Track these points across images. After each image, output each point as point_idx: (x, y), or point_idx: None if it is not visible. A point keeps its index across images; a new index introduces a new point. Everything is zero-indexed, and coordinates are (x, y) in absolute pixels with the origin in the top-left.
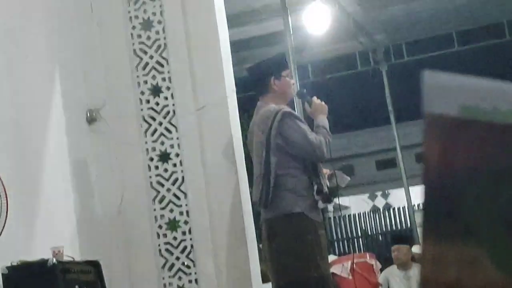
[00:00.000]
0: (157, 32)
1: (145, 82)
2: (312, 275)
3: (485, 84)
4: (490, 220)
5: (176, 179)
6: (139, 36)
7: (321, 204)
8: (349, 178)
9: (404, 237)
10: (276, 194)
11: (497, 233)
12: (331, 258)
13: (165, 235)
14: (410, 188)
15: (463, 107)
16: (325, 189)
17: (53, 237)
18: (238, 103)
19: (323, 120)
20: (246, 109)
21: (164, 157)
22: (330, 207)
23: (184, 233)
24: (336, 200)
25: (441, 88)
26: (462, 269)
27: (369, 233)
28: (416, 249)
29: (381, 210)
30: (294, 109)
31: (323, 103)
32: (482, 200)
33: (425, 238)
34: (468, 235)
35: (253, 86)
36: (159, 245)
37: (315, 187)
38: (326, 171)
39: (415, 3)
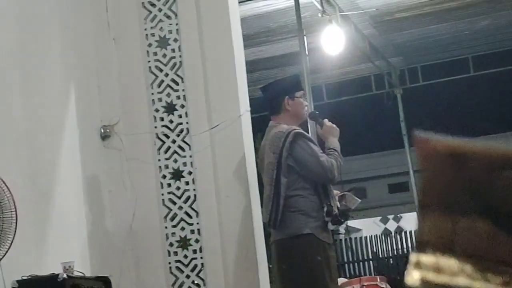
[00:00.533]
0: (173, 50)
1: (160, 99)
2: None
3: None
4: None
5: (188, 197)
6: (155, 53)
7: (331, 226)
8: (359, 200)
9: None
10: (285, 215)
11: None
12: (341, 280)
13: (175, 253)
14: None
15: None
16: (335, 211)
17: (64, 252)
18: (252, 123)
19: (334, 142)
20: (260, 129)
21: (177, 175)
22: (342, 229)
23: (195, 251)
24: (347, 222)
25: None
26: (458, 222)
27: (380, 256)
28: None
29: (393, 234)
30: (307, 131)
31: (334, 125)
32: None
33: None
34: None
35: (266, 105)
36: (169, 263)
37: (325, 209)
38: (336, 192)
39: (431, 27)
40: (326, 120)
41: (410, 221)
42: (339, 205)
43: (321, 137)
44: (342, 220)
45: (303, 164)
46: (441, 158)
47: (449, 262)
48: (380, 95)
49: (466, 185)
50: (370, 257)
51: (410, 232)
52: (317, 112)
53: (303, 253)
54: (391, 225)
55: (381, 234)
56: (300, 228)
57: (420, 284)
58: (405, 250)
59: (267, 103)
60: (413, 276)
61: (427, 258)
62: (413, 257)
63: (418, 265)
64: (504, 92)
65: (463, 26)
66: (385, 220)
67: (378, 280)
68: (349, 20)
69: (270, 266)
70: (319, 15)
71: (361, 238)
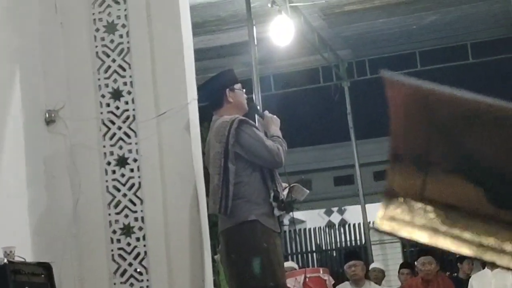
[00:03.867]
0: (121, 36)
1: (106, 85)
2: (268, 284)
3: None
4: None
5: (133, 185)
6: (102, 38)
7: (277, 212)
8: (307, 191)
9: (357, 253)
10: (232, 203)
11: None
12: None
13: (119, 241)
14: (367, 206)
15: None
16: (282, 196)
17: (5, 237)
18: (199, 111)
19: (276, 130)
20: (206, 118)
21: (122, 161)
22: (286, 220)
23: (138, 239)
24: (292, 214)
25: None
26: (428, 171)
27: (324, 248)
28: (375, 265)
29: (337, 226)
30: (254, 121)
31: (274, 116)
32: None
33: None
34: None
35: (207, 100)
36: (112, 250)
37: (272, 194)
38: (285, 185)
39: (380, 21)
40: (266, 112)
41: (354, 214)
42: (285, 197)
43: (263, 128)
44: (288, 210)
45: (249, 150)
46: (412, 104)
47: (418, 209)
48: (327, 87)
49: (437, 132)
50: (314, 249)
51: (354, 224)
52: (256, 104)
53: (249, 240)
54: (335, 218)
55: (325, 226)
56: (245, 216)
57: (388, 228)
58: (348, 242)
59: (208, 98)
60: (382, 219)
61: (397, 205)
62: (383, 201)
63: (387, 210)
64: (450, 87)
65: (411, 21)
66: (329, 213)
67: (321, 272)
68: (299, 11)
69: (215, 256)
70: (269, 5)
71: (305, 230)
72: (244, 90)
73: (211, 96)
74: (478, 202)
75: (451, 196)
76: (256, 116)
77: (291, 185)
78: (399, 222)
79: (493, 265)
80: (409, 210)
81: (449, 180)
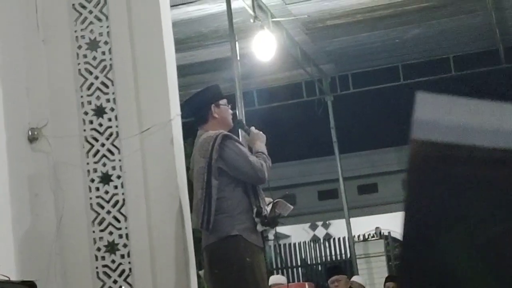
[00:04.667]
0: (103, 53)
1: (89, 102)
2: None
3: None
4: (467, 262)
5: (117, 202)
6: (85, 56)
7: (260, 227)
8: (292, 207)
9: (340, 268)
10: (214, 218)
11: (475, 275)
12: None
13: (103, 258)
14: (351, 219)
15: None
16: (265, 212)
17: None
18: (182, 127)
19: (261, 147)
20: (190, 134)
21: (106, 178)
22: (271, 235)
23: (122, 256)
24: (276, 228)
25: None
26: None
27: (309, 262)
28: (355, 279)
29: (321, 240)
30: (238, 137)
31: (261, 132)
32: (459, 241)
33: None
34: (445, 275)
35: (192, 116)
36: (96, 267)
37: (255, 210)
38: (269, 200)
39: (363, 35)
40: (252, 128)
41: (339, 228)
42: (268, 212)
43: (249, 143)
44: (272, 225)
45: (232, 165)
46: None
47: None
48: (311, 101)
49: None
50: (299, 264)
51: (339, 238)
52: (242, 120)
53: (232, 255)
54: (320, 232)
55: (310, 241)
56: (228, 230)
57: None
58: (333, 257)
59: (193, 114)
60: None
61: None
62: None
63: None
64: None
65: (394, 35)
66: (314, 227)
67: (306, 287)
68: (281, 26)
69: (200, 272)
70: (251, 20)
71: (290, 244)
72: (229, 105)
73: (196, 111)
74: None
75: None
76: (240, 131)
77: (275, 201)
78: None
79: None
80: None
81: None
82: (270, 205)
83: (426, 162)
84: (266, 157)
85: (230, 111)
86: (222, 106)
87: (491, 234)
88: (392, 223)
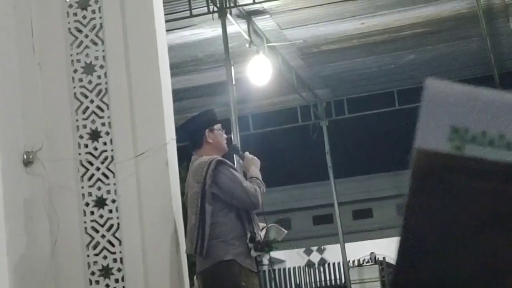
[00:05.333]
0: (99, 77)
1: (84, 126)
2: None
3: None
4: (469, 277)
5: (112, 226)
6: (80, 80)
7: (253, 253)
8: (286, 232)
9: None
10: (208, 243)
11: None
12: None
13: (97, 282)
14: (346, 245)
15: (453, 129)
16: (258, 237)
17: None
18: (177, 152)
19: (255, 172)
20: (185, 158)
21: (100, 202)
22: (265, 260)
23: (117, 280)
24: (270, 253)
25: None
26: None
27: (303, 287)
28: None
29: (316, 265)
30: (233, 162)
31: (255, 157)
32: (459, 256)
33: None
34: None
35: (187, 140)
36: None
37: (248, 235)
38: (262, 224)
39: (358, 60)
40: (247, 153)
41: (334, 253)
42: (262, 237)
43: (243, 168)
44: (266, 249)
45: (226, 191)
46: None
47: None
48: (306, 126)
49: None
50: None
51: (334, 264)
52: (237, 145)
53: (226, 279)
54: (315, 257)
55: (305, 266)
56: (222, 255)
57: None
58: (328, 282)
59: (188, 138)
60: None
61: None
62: None
63: None
64: None
65: (389, 60)
66: (308, 252)
67: None
68: (277, 51)
69: None
70: (247, 45)
71: (284, 269)
72: (224, 130)
73: (191, 136)
74: None
75: None
76: (235, 156)
77: (269, 226)
78: None
79: None
80: None
81: None
82: (264, 230)
83: (430, 172)
84: (260, 182)
85: (225, 136)
86: (216, 131)
87: (490, 245)
88: (387, 248)
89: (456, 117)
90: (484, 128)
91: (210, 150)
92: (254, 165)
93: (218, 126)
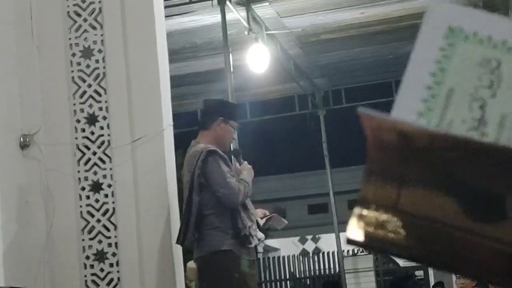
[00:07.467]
0: (97, 61)
1: (82, 110)
2: None
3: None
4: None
5: (107, 210)
6: (79, 63)
7: (250, 243)
8: (286, 222)
9: (335, 283)
10: (204, 232)
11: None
12: None
13: (92, 266)
14: (341, 234)
15: (449, 28)
16: (243, 232)
17: None
18: (174, 138)
19: (247, 177)
20: (181, 145)
21: (96, 187)
22: (260, 248)
23: (111, 265)
24: (265, 241)
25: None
26: (403, 183)
27: (297, 276)
28: None
29: (311, 254)
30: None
31: (251, 168)
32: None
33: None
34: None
35: (201, 117)
36: (85, 276)
37: (230, 232)
38: (263, 212)
39: (356, 50)
40: (246, 162)
41: (328, 242)
42: (261, 225)
43: (237, 171)
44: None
45: (209, 180)
46: (386, 133)
47: (392, 219)
48: (303, 115)
49: (411, 158)
50: (287, 277)
51: (328, 253)
52: (240, 151)
53: (221, 269)
54: (309, 246)
55: (299, 254)
56: (218, 245)
57: (362, 237)
58: (322, 271)
59: (202, 115)
60: (355, 229)
61: (370, 214)
62: (356, 210)
63: (360, 219)
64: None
65: (387, 51)
66: (303, 241)
67: None
68: (275, 39)
69: (187, 282)
70: (246, 33)
71: (278, 257)
72: (236, 133)
73: (205, 113)
74: (454, 215)
75: (426, 208)
76: (234, 160)
77: (271, 215)
78: (373, 229)
79: None
80: (384, 218)
81: (424, 193)
82: (264, 219)
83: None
84: (247, 186)
85: (234, 137)
86: (230, 126)
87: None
88: None
89: (454, 18)
90: (476, 29)
91: (211, 138)
92: (248, 173)
93: (234, 124)
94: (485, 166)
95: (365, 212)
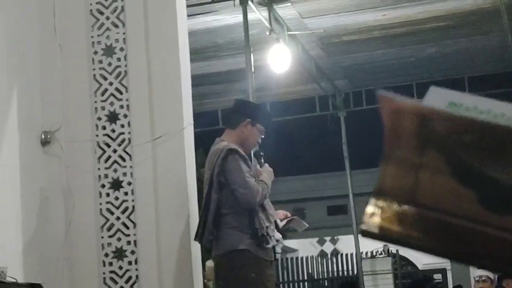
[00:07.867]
0: (119, 59)
1: (103, 108)
2: None
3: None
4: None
5: (126, 208)
6: (100, 61)
7: (274, 241)
8: (307, 225)
9: (353, 284)
10: (222, 231)
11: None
12: None
13: (110, 264)
14: (359, 236)
15: (450, 103)
16: (261, 233)
17: None
18: (194, 137)
19: (267, 178)
20: (202, 144)
21: (116, 184)
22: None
23: (130, 263)
24: (284, 242)
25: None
26: (420, 174)
27: (315, 277)
28: None
29: (329, 255)
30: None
31: (272, 170)
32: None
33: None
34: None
35: (228, 115)
36: (104, 273)
37: (265, 226)
38: (285, 213)
39: (378, 52)
40: (266, 164)
41: (347, 243)
42: (280, 225)
43: (257, 173)
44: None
45: (228, 178)
46: (405, 117)
47: (409, 210)
48: (323, 116)
49: (429, 143)
50: (305, 278)
51: (347, 254)
52: (262, 153)
53: (237, 269)
54: (328, 247)
55: (317, 256)
56: (235, 244)
57: (377, 229)
58: (340, 272)
59: (230, 113)
60: (370, 221)
61: (387, 205)
62: (372, 202)
63: (376, 210)
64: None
65: (409, 53)
66: (322, 242)
67: None
68: (297, 40)
69: (205, 281)
70: (267, 33)
71: (297, 258)
72: (262, 137)
73: (233, 112)
74: (471, 206)
75: (444, 199)
76: (254, 160)
77: (292, 217)
78: (387, 225)
79: None
80: (400, 212)
81: (442, 182)
82: (285, 220)
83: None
84: (266, 187)
85: (258, 141)
86: (257, 130)
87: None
88: None
89: (454, 97)
90: (476, 104)
91: (236, 138)
92: (268, 175)
93: (262, 128)
94: (502, 152)
95: (381, 203)
